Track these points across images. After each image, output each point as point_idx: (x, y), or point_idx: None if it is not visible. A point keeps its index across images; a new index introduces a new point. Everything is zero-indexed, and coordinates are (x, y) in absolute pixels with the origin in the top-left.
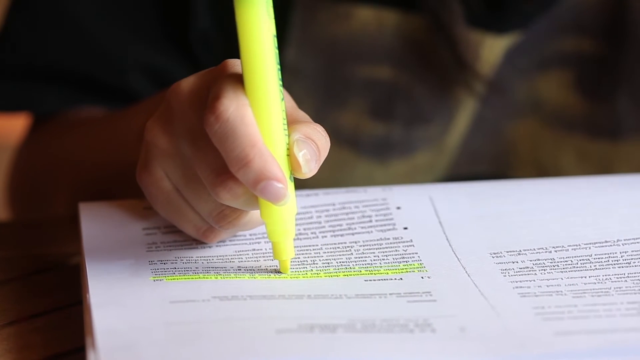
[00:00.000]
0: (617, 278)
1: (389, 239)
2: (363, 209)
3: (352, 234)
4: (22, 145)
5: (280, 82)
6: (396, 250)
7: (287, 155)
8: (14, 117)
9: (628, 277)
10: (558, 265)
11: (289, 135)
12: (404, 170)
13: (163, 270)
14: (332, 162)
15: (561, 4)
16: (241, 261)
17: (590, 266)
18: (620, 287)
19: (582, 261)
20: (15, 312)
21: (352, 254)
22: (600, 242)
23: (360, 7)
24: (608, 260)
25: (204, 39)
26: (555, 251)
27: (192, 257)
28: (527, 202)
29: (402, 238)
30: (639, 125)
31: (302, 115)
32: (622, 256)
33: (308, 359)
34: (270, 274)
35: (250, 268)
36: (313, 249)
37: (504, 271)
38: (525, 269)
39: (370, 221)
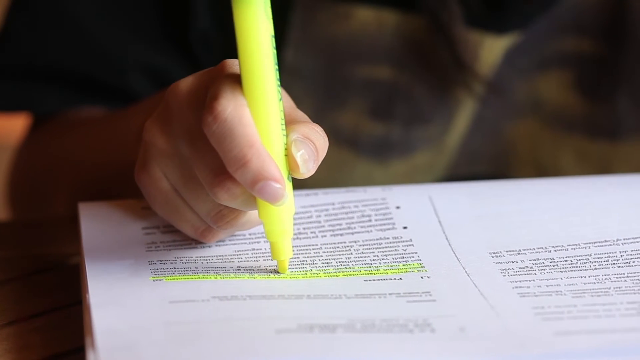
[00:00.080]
0: (617, 278)
1: (388, 238)
2: (362, 208)
3: (352, 234)
4: (22, 145)
5: (278, 83)
6: (396, 250)
7: (285, 155)
8: (14, 117)
9: (627, 276)
10: (557, 265)
11: (287, 136)
12: (404, 171)
13: (163, 270)
14: (331, 162)
15: (561, 4)
16: (241, 261)
17: (590, 266)
18: (619, 287)
19: (581, 261)
20: (15, 312)
21: (351, 253)
22: (599, 242)
23: (360, 7)
24: (607, 260)
25: (204, 39)
26: (555, 251)
27: (191, 257)
28: (527, 202)
29: (401, 237)
30: (639, 126)
31: (301, 115)
32: (621, 256)
33: (308, 359)
34: (270, 274)
35: (250, 268)
36: (312, 249)
37: (504, 271)
38: (525, 269)
39: (370, 220)
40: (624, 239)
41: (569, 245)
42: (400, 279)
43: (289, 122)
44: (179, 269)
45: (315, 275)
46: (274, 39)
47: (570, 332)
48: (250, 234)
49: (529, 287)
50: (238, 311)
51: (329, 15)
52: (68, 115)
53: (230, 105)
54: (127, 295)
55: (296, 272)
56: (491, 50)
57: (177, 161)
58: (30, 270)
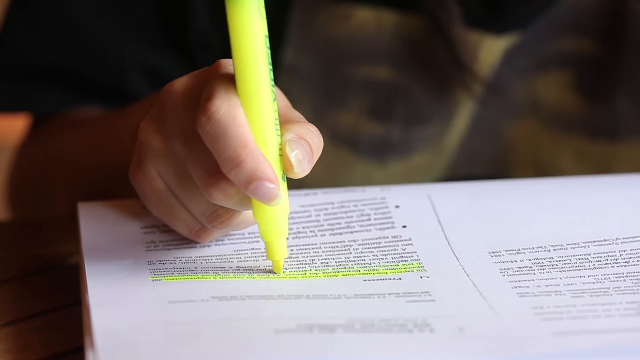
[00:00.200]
0: (616, 277)
1: (387, 237)
2: (362, 207)
3: (351, 233)
4: (21, 145)
5: (272, 82)
6: (395, 249)
7: (280, 155)
8: (13, 117)
9: (627, 276)
10: (557, 265)
11: (281, 135)
12: (403, 171)
13: (162, 270)
14: (330, 162)
15: (560, 4)
16: (240, 260)
17: (589, 265)
18: (619, 287)
19: (580, 260)
20: (14, 312)
21: (350, 252)
22: (599, 241)
23: (359, 7)
24: (607, 259)
25: (203, 40)
26: (554, 250)
27: (190, 256)
28: (526, 201)
29: (400, 236)
30: (638, 126)
31: (296, 114)
32: (620, 255)
33: (307, 359)
34: (269, 274)
35: (249, 268)
36: (312, 248)
37: (503, 270)
38: (524, 268)
39: (369, 219)
40: (623, 238)
41: (568, 244)
42: (400, 278)
43: (284, 122)
44: (178, 269)
45: (315, 275)
46: (267, 39)
47: (569, 332)
48: (249, 233)
49: (528, 287)
50: (237, 311)
51: (328, 16)
52: (67, 115)
53: (224, 106)
54: (127, 295)
55: (295, 272)
56: (490, 50)
57: (171, 161)
58: (30, 270)
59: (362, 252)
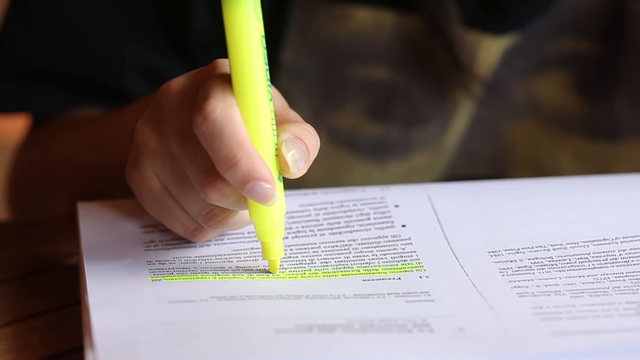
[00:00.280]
0: (616, 277)
1: (387, 236)
2: (361, 207)
3: (350, 232)
4: (21, 146)
5: (269, 83)
6: (394, 249)
7: (276, 155)
8: (13, 118)
9: (626, 276)
10: (556, 264)
11: (277, 135)
12: (402, 171)
13: (161, 270)
14: (329, 163)
15: (559, 4)
16: (239, 260)
17: (589, 265)
18: (618, 287)
19: (580, 260)
20: (14, 312)
21: (350, 252)
22: (598, 240)
23: (358, 8)
24: (606, 259)
25: (202, 40)
26: (554, 249)
27: (190, 256)
28: (526, 201)
29: (400, 236)
30: (637, 127)
31: (293, 114)
32: (620, 254)
33: (306, 359)
34: (269, 273)
35: (249, 268)
36: (311, 247)
37: (502, 270)
38: (524, 268)
39: (369, 219)
40: (623, 237)
41: (568, 243)
42: (399, 278)
43: (281, 122)
44: (178, 269)
45: (314, 275)
46: (264, 39)
47: (568, 332)
48: (248, 233)
49: (527, 286)
50: (236, 311)
51: (327, 16)
52: (67, 115)
53: (220, 106)
54: (126, 295)
55: (295, 272)
56: (489, 51)
57: (168, 161)
58: (29, 270)
59: (361, 251)
